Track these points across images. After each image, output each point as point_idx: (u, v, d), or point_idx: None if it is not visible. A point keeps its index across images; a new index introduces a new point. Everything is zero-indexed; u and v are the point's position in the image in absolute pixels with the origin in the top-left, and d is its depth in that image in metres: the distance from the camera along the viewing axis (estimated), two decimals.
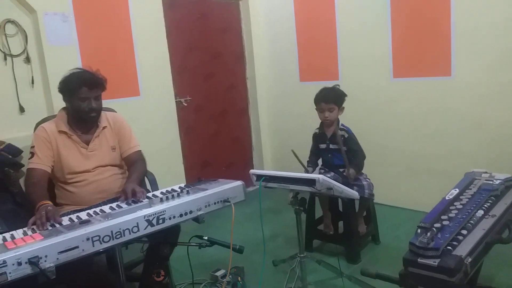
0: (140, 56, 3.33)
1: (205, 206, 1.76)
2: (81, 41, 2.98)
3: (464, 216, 1.62)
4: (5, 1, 2.66)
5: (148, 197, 1.86)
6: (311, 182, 1.90)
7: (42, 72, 2.83)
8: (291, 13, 4.01)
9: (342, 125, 2.81)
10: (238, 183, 1.90)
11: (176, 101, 3.69)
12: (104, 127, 2.22)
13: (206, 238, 1.92)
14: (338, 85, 2.85)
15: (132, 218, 1.55)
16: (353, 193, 2.04)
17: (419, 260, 1.44)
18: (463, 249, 1.45)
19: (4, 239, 1.49)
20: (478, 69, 2.97)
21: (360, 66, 3.60)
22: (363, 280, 2.23)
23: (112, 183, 2.17)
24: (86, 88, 2.06)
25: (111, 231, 1.49)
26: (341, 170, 2.79)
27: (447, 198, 1.77)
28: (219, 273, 2.52)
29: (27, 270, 1.30)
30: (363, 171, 2.82)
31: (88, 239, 1.43)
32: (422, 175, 3.40)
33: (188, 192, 1.80)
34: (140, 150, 2.31)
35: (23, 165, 2.40)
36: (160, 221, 1.62)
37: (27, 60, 2.75)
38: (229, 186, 1.86)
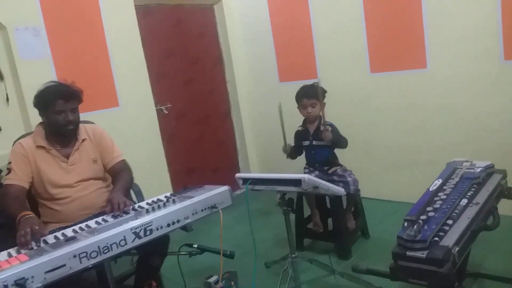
0: (116, 65, 3.29)
1: (192, 214, 1.75)
2: (54, 54, 2.93)
3: (448, 206, 1.64)
4: None
5: (134, 209, 1.84)
6: (297, 182, 1.91)
7: (16, 89, 2.77)
8: (266, 14, 4.02)
9: (324, 121, 2.83)
10: (225, 188, 1.89)
11: (156, 109, 3.66)
12: (83, 140, 2.18)
13: (196, 246, 1.91)
14: (317, 83, 2.86)
15: (119, 232, 1.53)
16: (339, 190, 2.06)
17: (407, 253, 1.46)
18: (450, 239, 1.48)
19: None
20: (452, 60, 3.03)
21: (338, 63, 3.63)
22: (356, 275, 2.25)
23: (97, 198, 2.13)
24: (62, 101, 2.01)
25: (98, 246, 1.47)
26: (325, 168, 2.81)
27: (431, 189, 1.80)
28: (212, 279, 2.50)
29: None
30: (347, 167, 2.84)
31: (75, 256, 1.41)
32: (405, 167, 3.45)
33: (174, 201, 1.79)
34: (124, 159, 2.27)
35: (2, 185, 2.35)
36: (148, 232, 1.60)
37: (0, 77, 2.69)
38: (216, 192, 1.85)
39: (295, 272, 2.20)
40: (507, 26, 2.75)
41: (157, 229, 1.63)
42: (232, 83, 4.33)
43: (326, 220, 3.00)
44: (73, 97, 2.06)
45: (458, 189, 1.78)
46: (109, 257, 1.51)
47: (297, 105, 2.86)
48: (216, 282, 2.48)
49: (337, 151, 2.89)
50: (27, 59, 2.78)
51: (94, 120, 2.52)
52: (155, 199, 1.93)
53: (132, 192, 2.36)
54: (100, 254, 1.47)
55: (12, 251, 1.56)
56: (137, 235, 1.56)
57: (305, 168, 2.91)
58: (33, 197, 2.13)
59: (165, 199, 1.85)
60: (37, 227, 1.63)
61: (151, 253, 1.98)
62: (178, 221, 1.69)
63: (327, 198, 2.91)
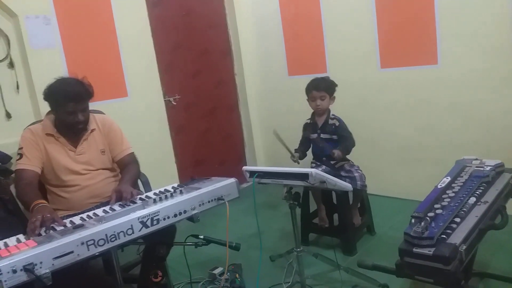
0: (126, 56, 3.29)
1: (199, 205, 1.75)
2: (65, 43, 2.94)
3: (456, 204, 1.64)
4: None
5: (141, 199, 1.85)
6: (304, 176, 1.90)
7: (27, 77, 2.78)
8: (276, 7, 3.99)
9: (333, 114, 2.83)
10: (232, 180, 1.89)
11: (165, 100, 3.67)
12: (92, 130, 2.19)
13: (202, 237, 1.91)
14: (328, 76, 2.87)
15: (126, 221, 1.53)
16: (346, 185, 2.05)
17: (414, 249, 1.46)
18: (457, 237, 1.47)
19: None
20: (464, 56, 2.99)
21: (348, 57, 3.61)
22: (360, 271, 2.25)
23: (105, 187, 2.15)
24: (72, 103, 2.00)
25: (106, 235, 1.47)
26: (332, 162, 2.80)
27: (439, 186, 1.79)
28: (217, 271, 2.52)
29: (22, 277, 1.29)
30: (355, 163, 2.83)
31: (82, 243, 1.42)
32: (413, 164, 3.43)
33: (181, 192, 1.79)
34: (133, 152, 2.29)
35: (13, 172, 2.37)
36: (155, 222, 1.61)
37: (11, 65, 2.71)
38: (223, 184, 1.85)
39: (300, 266, 2.21)
40: None
41: (164, 219, 1.63)
42: (240, 75, 4.32)
43: (332, 215, 3.00)
44: (84, 98, 2.05)
45: (467, 187, 1.76)
46: (116, 246, 1.51)
47: (306, 98, 2.84)
48: (221, 274, 2.49)
49: None
50: (37, 48, 2.79)
51: (103, 109, 2.53)
52: (162, 189, 1.94)
53: (139, 182, 2.38)
54: (108, 242, 1.48)
55: (21, 237, 1.58)
56: (144, 224, 1.57)
57: (312, 162, 2.91)
58: (42, 184, 2.15)
59: (172, 190, 1.85)
60: (48, 215, 1.65)
61: (158, 242, 1.99)
62: (185, 211, 1.70)
63: (333, 193, 2.91)
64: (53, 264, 1.35)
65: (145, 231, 1.58)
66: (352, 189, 2.14)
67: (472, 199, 1.69)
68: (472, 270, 1.93)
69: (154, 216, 1.60)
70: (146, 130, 3.44)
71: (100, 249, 1.46)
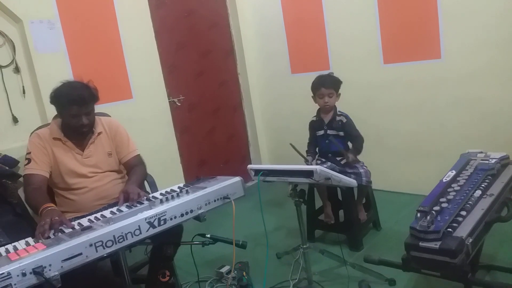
0: (130, 58, 3.31)
1: (205, 204, 1.76)
2: (69, 47, 2.96)
3: (462, 197, 1.64)
4: None
5: (148, 199, 1.86)
6: (309, 174, 1.91)
7: (32, 81, 2.81)
8: (278, 5, 3.99)
9: (339, 111, 2.83)
10: (237, 179, 1.90)
11: (169, 101, 3.68)
12: (99, 133, 2.21)
13: (208, 236, 1.92)
14: (333, 73, 2.87)
15: (134, 221, 1.55)
16: (351, 182, 2.05)
17: (420, 243, 1.46)
18: (463, 230, 1.47)
19: (7, 251, 1.49)
20: (467, 50, 2.97)
21: (350, 54, 3.60)
22: (367, 267, 2.25)
23: (112, 189, 2.17)
24: (76, 107, 2.02)
25: (114, 236, 1.49)
26: (338, 159, 2.80)
27: (444, 180, 1.79)
28: (224, 270, 2.53)
29: (32, 280, 1.30)
30: (359, 159, 2.83)
31: (91, 245, 1.43)
32: (418, 159, 3.42)
33: (187, 192, 1.81)
34: (139, 154, 2.31)
35: (21, 176, 2.40)
36: (162, 222, 1.62)
37: (17, 70, 2.73)
38: (228, 183, 1.87)
39: (306, 263, 2.21)
40: None
41: (171, 219, 1.65)
42: (243, 75, 4.33)
43: (338, 211, 3.00)
44: (88, 102, 2.06)
45: (472, 180, 1.76)
46: (124, 246, 1.53)
47: (311, 95, 2.84)
48: (228, 272, 2.51)
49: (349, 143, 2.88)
50: (42, 52, 2.81)
51: (108, 112, 2.55)
52: (168, 189, 1.95)
53: (146, 183, 2.40)
54: (116, 243, 1.49)
55: (30, 240, 1.60)
56: (151, 224, 1.59)
57: (317, 159, 2.91)
58: (49, 187, 2.17)
59: (178, 190, 1.87)
60: (56, 218, 1.67)
61: (165, 242, 2.01)
62: (191, 211, 1.71)
63: (338, 189, 2.91)
64: (62, 266, 1.36)
65: (152, 231, 1.59)
66: (357, 185, 2.14)
67: (478, 192, 1.69)
68: (479, 263, 1.92)
69: (161, 216, 1.62)
70: (151, 131, 3.46)
71: (108, 250, 1.48)
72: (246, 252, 2.14)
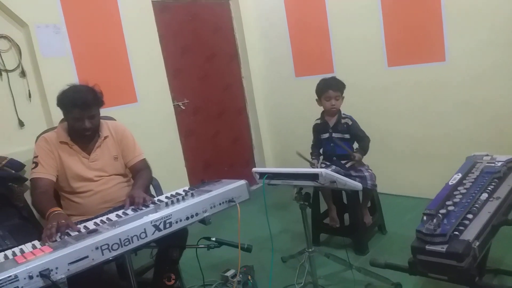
0: (134, 62, 3.33)
1: (211, 208, 1.77)
2: (75, 51, 2.98)
3: (468, 200, 1.63)
4: None
5: (153, 203, 1.87)
6: (314, 177, 1.91)
7: (38, 85, 2.83)
8: (282, 8, 4.00)
9: (344, 113, 2.84)
10: (242, 182, 1.90)
11: (174, 105, 3.69)
12: (105, 137, 2.22)
13: (214, 239, 1.92)
14: (335, 76, 2.88)
15: (140, 225, 1.56)
16: (356, 185, 2.04)
17: (427, 247, 1.45)
18: (470, 233, 1.46)
19: (14, 254, 1.49)
20: (471, 53, 2.97)
21: (354, 57, 3.60)
22: (373, 270, 2.24)
23: (117, 192, 2.18)
24: (79, 110, 2.02)
25: (119, 239, 1.50)
26: (343, 162, 2.80)
27: (450, 183, 1.78)
28: (229, 273, 2.53)
29: (39, 283, 1.31)
30: (364, 162, 2.82)
31: (97, 248, 1.44)
32: (423, 162, 3.41)
33: (192, 195, 1.81)
34: (145, 158, 2.32)
35: (27, 179, 2.41)
36: (167, 225, 1.62)
37: (23, 74, 2.75)
38: (233, 186, 1.87)
39: (311, 267, 2.20)
40: None
41: (177, 222, 1.65)
42: (247, 78, 4.33)
43: (343, 215, 2.99)
44: (91, 105, 2.05)
45: (478, 183, 1.76)
46: (130, 249, 1.53)
47: (316, 98, 2.84)
48: (234, 276, 2.50)
49: (354, 145, 2.87)
50: (48, 56, 2.83)
51: (113, 115, 2.56)
52: (174, 193, 1.96)
53: (151, 186, 2.40)
54: (121, 246, 1.50)
55: (37, 243, 1.61)
56: (157, 227, 1.59)
57: (322, 162, 2.90)
58: (55, 190, 2.18)
59: (183, 193, 1.87)
60: (63, 221, 1.67)
61: (170, 245, 2.01)
62: (196, 214, 1.71)
63: (343, 193, 2.90)
64: (68, 269, 1.37)
65: (158, 234, 1.60)
66: (362, 188, 2.14)
67: (484, 195, 1.68)
68: (486, 267, 1.91)
69: (167, 220, 1.62)
70: (156, 135, 3.46)
71: (114, 253, 1.48)
72: (251, 256, 2.12)
